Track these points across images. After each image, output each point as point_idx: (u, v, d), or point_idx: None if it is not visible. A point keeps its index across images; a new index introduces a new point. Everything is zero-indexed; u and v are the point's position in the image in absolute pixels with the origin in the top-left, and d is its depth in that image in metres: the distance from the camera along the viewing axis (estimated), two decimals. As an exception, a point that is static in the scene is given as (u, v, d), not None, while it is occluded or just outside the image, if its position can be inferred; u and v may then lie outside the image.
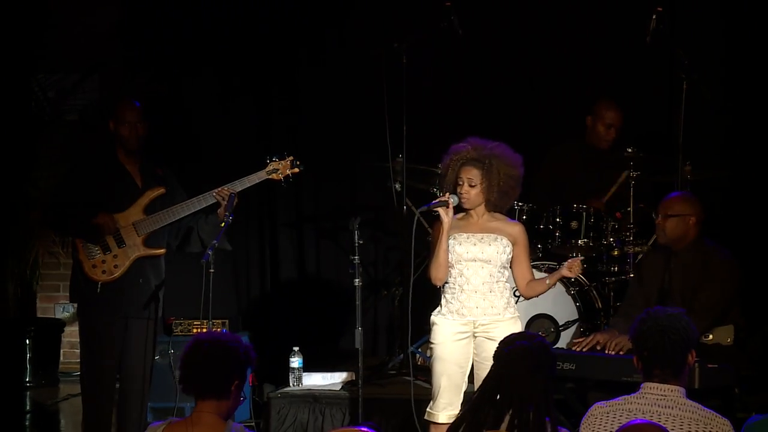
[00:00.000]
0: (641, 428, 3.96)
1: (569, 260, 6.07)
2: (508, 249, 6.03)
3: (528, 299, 6.30)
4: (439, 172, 6.20)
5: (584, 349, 6.50)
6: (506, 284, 6.07)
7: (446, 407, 5.99)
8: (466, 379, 6.08)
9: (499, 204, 6.06)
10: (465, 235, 6.02)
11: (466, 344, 6.01)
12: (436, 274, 6.02)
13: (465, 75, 8.62)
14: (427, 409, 6.06)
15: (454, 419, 5.87)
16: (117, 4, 9.28)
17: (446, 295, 6.06)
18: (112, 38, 9.10)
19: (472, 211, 6.06)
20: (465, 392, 6.08)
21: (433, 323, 6.08)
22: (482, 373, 5.88)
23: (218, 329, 7.42)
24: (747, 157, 8.24)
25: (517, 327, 6.02)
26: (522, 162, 6.06)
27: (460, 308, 6.00)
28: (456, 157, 6.01)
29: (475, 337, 6.01)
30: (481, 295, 5.99)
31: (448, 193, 6.00)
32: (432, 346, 6.07)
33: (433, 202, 6.05)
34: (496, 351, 4.37)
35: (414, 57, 7.85)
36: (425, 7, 8.17)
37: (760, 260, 8.02)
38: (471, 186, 5.97)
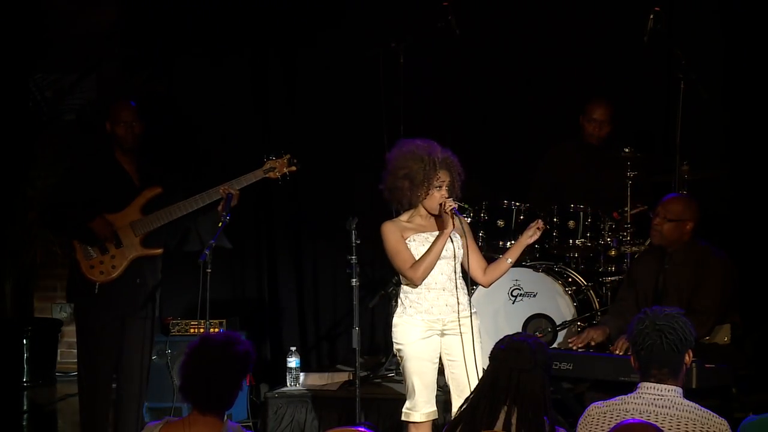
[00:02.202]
0: (634, 428, 3.96)
1: (528, 227, 6.05)
2: (461, 243, 6.00)
3: (489, 286, 6.20)
4: (400, 173, 5.93)
5: (579, 346, 6.50)
6: (464, 280, 6.04)
7: (424, 405, 5.97)
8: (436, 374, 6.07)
9: None
10: (424, 234, 5.99)
11: (434, 341, 5.98)
12: (424, 275, 5.96)
13: (462, 75, 8.61)
14: (404, 410, 6.01)
15: (433, 417, 5.93)
16: (114, 4, 9.27)
17: (410, 296, 6.00)
18: (109, 38, 9.09)
19: (416, 212, 6.02)
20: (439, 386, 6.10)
21: (397, 325, 6.02)
22: (456, 371, 5.92)
23: (215, 329, 7.42)
24: (745, 156, 8.23)
25: (477, 322, 6.02)
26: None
27: (429, 308, 5.96)
28: (431, 159, 5.93)
29: (443, 335, 5.99)
30: (449, 293, 5.96)
31: (451, 199, 5.95)
32: (400, 347, 5.99)
33: (456, 207, 5.95)
34: (492, 350, 4.37)
35: (411, 57, 7.85)
36: (422, 6, 8.17)
37: (757, 260, 8.02)
38: (446, 188, 5.95)
